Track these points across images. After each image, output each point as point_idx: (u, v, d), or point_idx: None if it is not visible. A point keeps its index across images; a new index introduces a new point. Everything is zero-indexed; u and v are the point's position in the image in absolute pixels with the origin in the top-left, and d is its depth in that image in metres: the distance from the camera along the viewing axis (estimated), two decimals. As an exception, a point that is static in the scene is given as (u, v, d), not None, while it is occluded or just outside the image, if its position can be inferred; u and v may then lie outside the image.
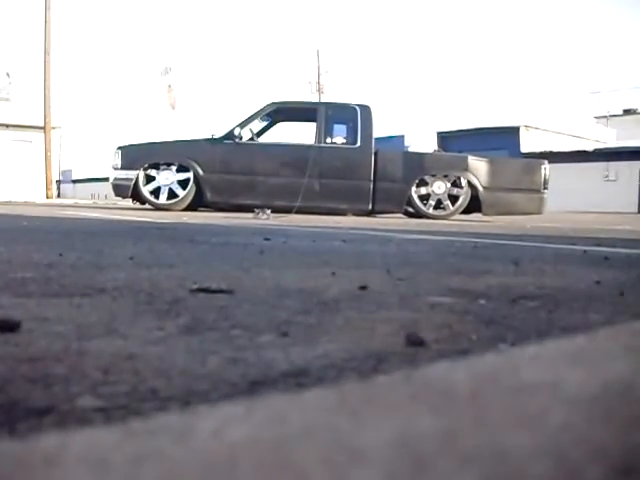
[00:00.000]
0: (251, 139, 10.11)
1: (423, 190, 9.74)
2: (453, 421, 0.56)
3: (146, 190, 9.77)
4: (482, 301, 1.66)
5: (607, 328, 1.26)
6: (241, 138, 9.89)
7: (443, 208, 9.73)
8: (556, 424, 0.55)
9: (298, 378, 0.92)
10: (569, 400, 0.62)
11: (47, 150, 24.92)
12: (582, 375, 0.71)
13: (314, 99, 36.96)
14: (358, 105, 10.03)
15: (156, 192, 9.82)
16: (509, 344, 1.16)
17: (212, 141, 9.98)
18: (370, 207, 9.84)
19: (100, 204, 18.17)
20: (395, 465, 0.45)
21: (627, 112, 41.42)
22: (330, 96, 40.58)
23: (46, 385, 0.87)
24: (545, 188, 9.86)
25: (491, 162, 9.93)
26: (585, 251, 3.47)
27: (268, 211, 7.95)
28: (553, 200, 12.00)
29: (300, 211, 9.25)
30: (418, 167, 9.84)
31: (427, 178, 9.74)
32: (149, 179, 9.83)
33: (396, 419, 0.56)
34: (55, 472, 0.43)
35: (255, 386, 0.88)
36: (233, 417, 0.57)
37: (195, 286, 1.76)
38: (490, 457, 0.47)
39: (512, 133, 29.04)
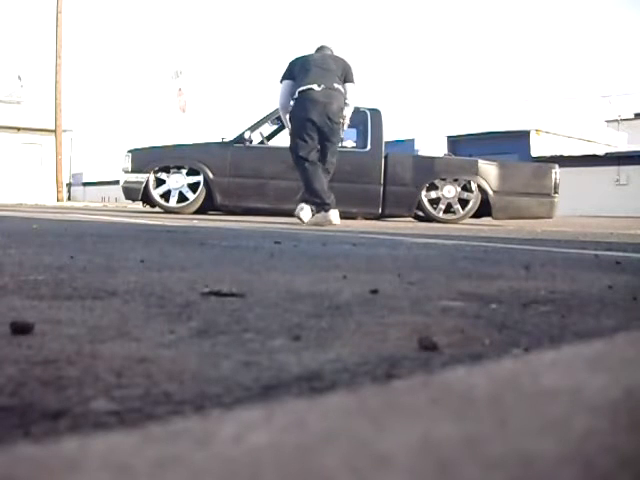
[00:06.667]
0: (261, 142, 10.12)
1: (433, 194, 9.71)
2: (476, 426, 0.55)
3: (156, 193, 9.80)
4: (494, 305, 1.65)
5: (623, 334, 1.25)
6: (251, 141, 9.89)
7: (453, 212, 9.71)
8: (580, 430, 0.54)
9: (311, 382, 0.92)
10: (592, 406, 0.61)
11: (58, 153, 25.05)
12: (603, 381, 0.70)
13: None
14: (368, 109, 10.01)
15: (166, 195, 9.85)
16: (523, 349, 1.15)
17: (222, 144, 10.00)
18: (380, 211, 9.82)
19: (110, 207, 18.25)
20: (420, 470, 0.45)
21: (638, 116, 41.16)
22: (340, 100, 40.56)
23: (59, 388, 0.87)
24: (556, 192, 9.82)
25: (501, 166, 9.90)
26: (596, 255, 3.45)
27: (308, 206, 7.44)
28: (564, 204, 11.94)
29: (310, 214, 9.23)
30: (428, 171, 9.82)
31: (437, 182, 9.71)
32: (159, 182, 9.85)
33: (418, 424, 0.56)
34: (79, 477, 0.43)
35: (269, 390, 0.88)
36: (253, 422, 0.57)
37: (206, 289, 1.76)
38: (515, 463, 0.46)
39: (522, 137, 28.88)
